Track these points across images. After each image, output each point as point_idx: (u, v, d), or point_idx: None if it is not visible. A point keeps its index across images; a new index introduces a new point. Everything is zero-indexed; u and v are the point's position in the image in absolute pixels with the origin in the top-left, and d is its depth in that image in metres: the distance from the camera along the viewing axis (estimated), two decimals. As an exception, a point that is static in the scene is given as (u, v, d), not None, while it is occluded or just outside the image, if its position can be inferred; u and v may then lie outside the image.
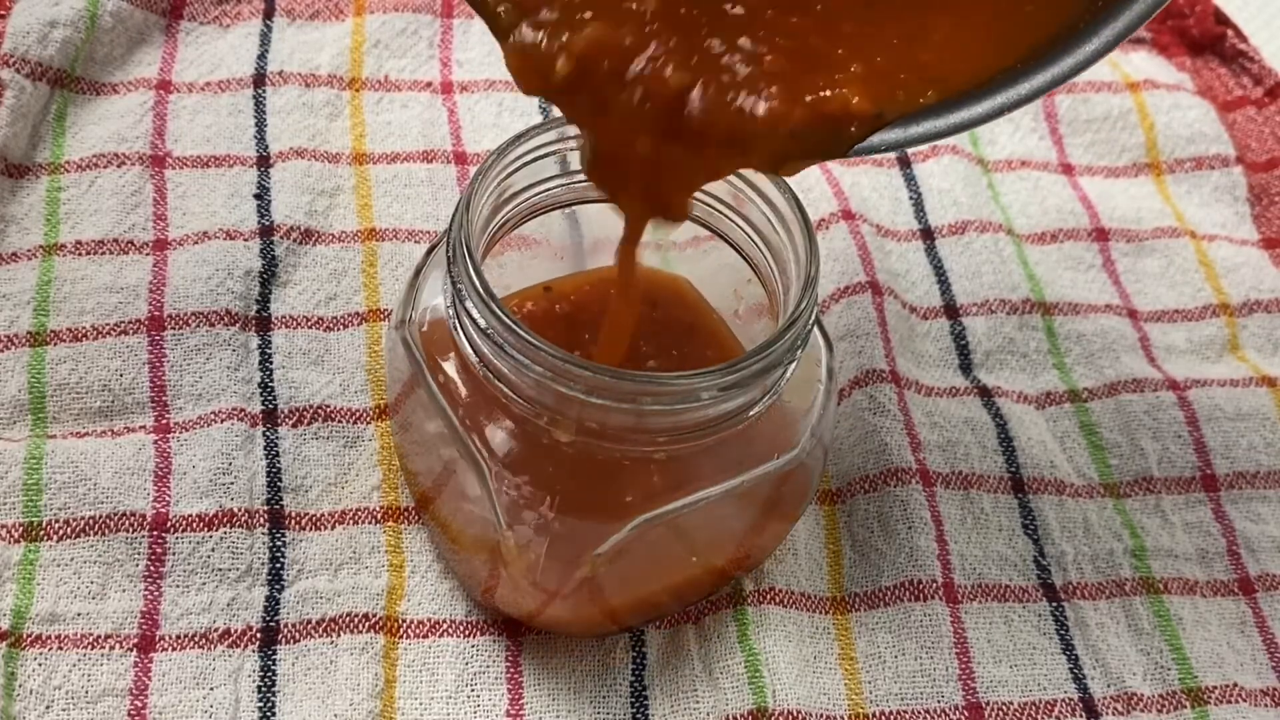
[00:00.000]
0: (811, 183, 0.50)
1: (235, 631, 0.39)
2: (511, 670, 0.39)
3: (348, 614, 0.40)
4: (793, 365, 0.35)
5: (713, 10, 0.30)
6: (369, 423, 0.43)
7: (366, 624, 0.40)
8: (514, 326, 0.32)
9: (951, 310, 0.48)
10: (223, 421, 0.42)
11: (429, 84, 0.52)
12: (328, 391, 0.44)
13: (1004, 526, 0.44)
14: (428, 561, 0.41)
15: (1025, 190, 0.52)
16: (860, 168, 0.52)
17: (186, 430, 0.42)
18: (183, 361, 0.43)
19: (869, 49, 0.30)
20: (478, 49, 0.53)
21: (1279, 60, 0.56)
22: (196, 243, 0.46)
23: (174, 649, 0.39)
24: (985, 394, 0.46)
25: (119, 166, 0.47)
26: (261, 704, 0.38)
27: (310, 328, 0.45)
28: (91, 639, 0.38)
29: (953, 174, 0.52)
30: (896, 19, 0.31)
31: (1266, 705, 0.41)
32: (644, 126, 0.30)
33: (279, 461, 0.42)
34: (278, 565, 0.40)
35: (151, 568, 0.40)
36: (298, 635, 0.39)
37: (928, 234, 0.50)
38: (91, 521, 0.40)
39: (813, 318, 0.35)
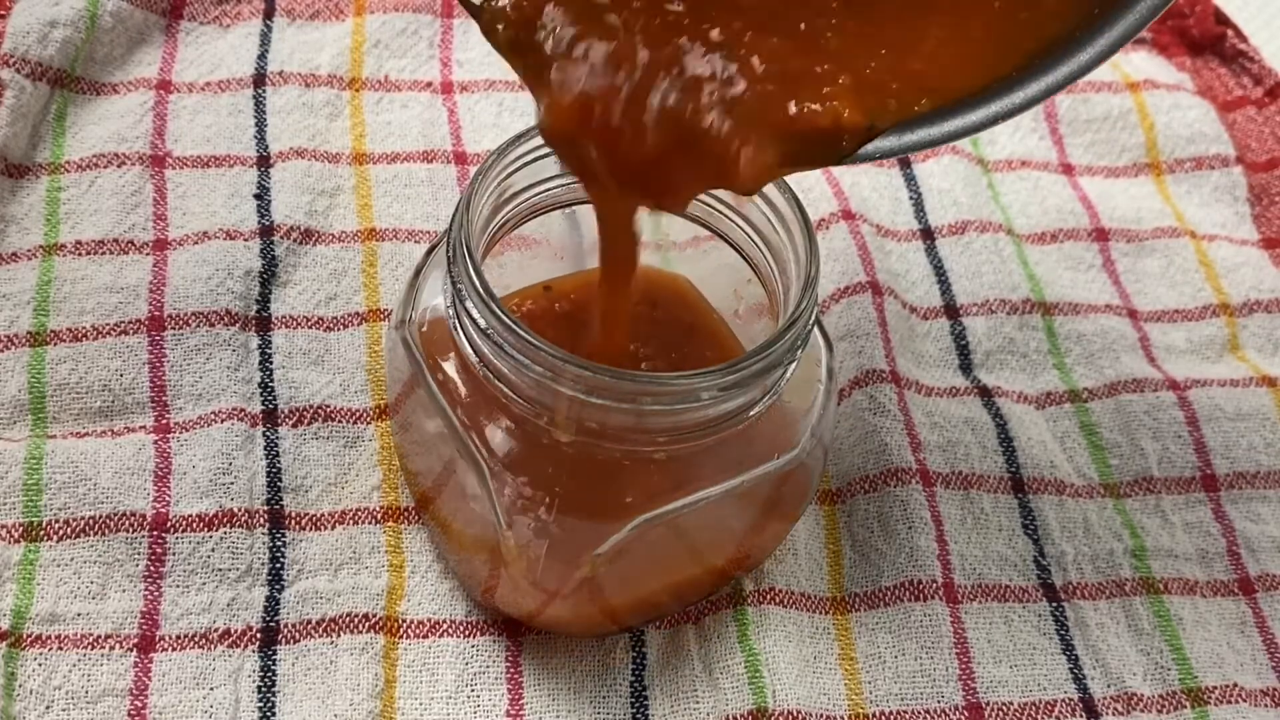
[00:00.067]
0: (811, 183, 0.50)
1: (235, 631, 0.39)
2: (511, 670, 0.39)
3: (348, 614, 0.40)
4: (793, 365, 0.35)
5: (695, 33, 0.30)
6: (369, 423, 0.43)
7: (366, 624, 0.39)
8: (514, 326, 0.32)
9: (951, 310, 0.48)
10: (223, 421, 0.42)
11: (429, 84, 0.52)
12: (328, 391, 0.44)
13: (1004, 526, 0.44)
14: (428, 561, 0.41)
15: (1025, 190, 0.52)
16: (860, 168, 0.52)
17: (186, 430, 0.42)
18: (183, 361, 0.43)
19: (858, 60, 0.30)
20: (478, 49, 0.53)
21: (1279, 60, 0.56)
22: (196, 243, 0.46)
23: (174, 649, 0.39)
24: (985, 394, 0.46)
25: (119, 166, 0.47)
26: (261, 704, 0.38)
27: (310, 328, 0.45)
28: (91, 639, 0.38)
29: (953, 174, 0.52)
30: (885, 29, 0.30)
31: (1266, 705, 0.41)
32: (633, 175, 0.30)
33: (279, 461, 0.42)
34: (278, 565, 0.40)
35: (151, 568, 0.40)
36: (298, 635, 0.39)
37: (928, 234, 0.50)
38: (91, 521, 0.40)
39: (813, 318, 0.35)
